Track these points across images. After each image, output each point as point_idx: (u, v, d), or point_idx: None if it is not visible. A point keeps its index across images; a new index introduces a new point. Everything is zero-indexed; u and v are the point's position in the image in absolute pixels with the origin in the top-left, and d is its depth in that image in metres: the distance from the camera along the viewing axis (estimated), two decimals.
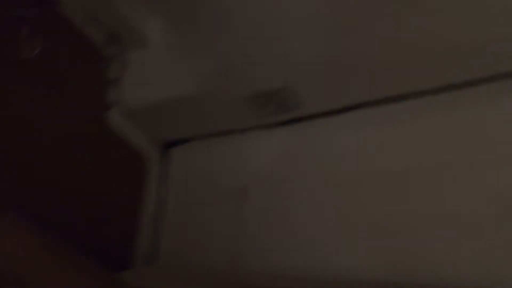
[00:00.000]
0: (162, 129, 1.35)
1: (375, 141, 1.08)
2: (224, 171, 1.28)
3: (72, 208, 1.02)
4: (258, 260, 1.11)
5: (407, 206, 0.97)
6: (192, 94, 1.15)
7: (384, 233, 0.97)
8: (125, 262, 1.18)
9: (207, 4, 1.06)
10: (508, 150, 0.90)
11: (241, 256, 1.13)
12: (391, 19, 0.93)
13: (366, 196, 1.02)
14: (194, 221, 1.27)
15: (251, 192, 1.20)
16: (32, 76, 0.95)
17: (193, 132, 1.36)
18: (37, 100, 0.97)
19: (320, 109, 1.16)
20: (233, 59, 1.11)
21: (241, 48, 1.09)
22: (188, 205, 1.32)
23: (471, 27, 0.90)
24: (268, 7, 1.00)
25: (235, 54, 1.10)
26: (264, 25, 1.04)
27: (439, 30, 0.91)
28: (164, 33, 1.20)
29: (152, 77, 1.21)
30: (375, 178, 1.03)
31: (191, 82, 1.15)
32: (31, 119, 0.96)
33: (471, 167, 0.93)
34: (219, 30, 1.09)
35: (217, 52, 1.13)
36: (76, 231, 1.00)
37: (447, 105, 1.03)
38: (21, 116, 0.94)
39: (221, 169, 1.30)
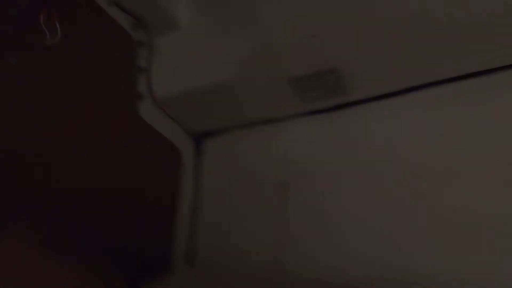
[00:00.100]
0: (196, 119, 1.28)
1: (438, 128, 0.95)
2: (264, 163, 1.20)
3: (106, 208, 0.96)
4: (305, 261, 1.02)
5: (479, 203, 0.84)
6: (228, 80, 1.07)
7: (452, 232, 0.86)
8: (164, 263, 1.12)
9: None
10: None
11: (285, 256, 1.05)
12: None
13: (435, 189, 0.90)
14: (232, 218, 1.20)
15: (293, 186, 1.11)
16: (57, 66, 0.88)
17: (229, 122, 1.27)
18: (64, 93, 0.90)
19: (372, 92, 1.04)
20: (273, 39, 1.00)
21: (281, 26, 0.98)
22: (224, 200, 1.24)
23: None
24: None
25: (275, 33, 0.99)
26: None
27: None
28: (194, 15, 1.11)
29: (184, 64, 1.12)
30: (440, 170, 0.91)
31: (226, 67, 1.06)
32: (57, 114, 0.89)
33: None
34: (256, 6, 0.99)
35: (254, 32, 1.02)
36: (109, 231, 0.95)
37: None
38: (47, 112, 0.87)
39: (260, 160, 1.21)
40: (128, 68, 1.10)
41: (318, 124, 1.14)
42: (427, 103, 0.98)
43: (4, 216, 0.76)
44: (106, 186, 0.97)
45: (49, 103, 0.87)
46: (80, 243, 0.89)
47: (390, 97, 1.04)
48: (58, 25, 0.77)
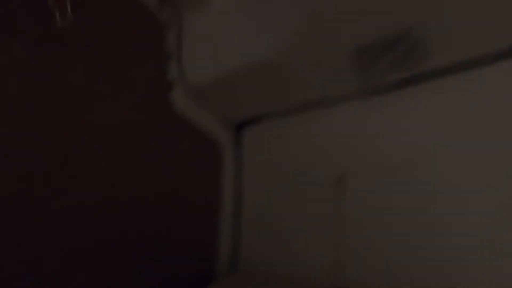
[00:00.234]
0: (235, 107, 1.16)
1: None
2: (315, 154, 1.06)
3: (141, 213, 0.85)
4: (365, 267, 0.89)
5: None
6: (270, 59, 0.93)
7: None
8: (208, 269, 1.01)
9: None
10: None
11: (347, 263, 0.93)
12: None
13: None
14: (278, 218, 1.09)
15: (352, 179, 0.97)
16: (71, 56, 0.75)
17: (273, 107, 1.14)
18: (81, 90, 0.78)
19: (454, 59, 0.84)
20: (325, 6, 0.82)
21: None
22: (270, 198, 1.13)
23: None
24: None
25: None
26: None
27: None
28: None
29: (219, 44, 0.99)
30: None
31: (267, 45, 0.92)
32: (76, 115, 0.78)
33: None
34: None
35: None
36: (147, 238, 0.85)
37: None
38: (63, 112, 0.75)
39: (310, 151, 1.07)
40: (155, 54, 0.98)
41: (385, 103, 0.96)
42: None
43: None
44: (139, 193, 0.86)
45: (65, 102, 0.75)
46: (119, 253, 0.79)
47: (472, 68, 0.83)
48: (68, 5, 0.64)
